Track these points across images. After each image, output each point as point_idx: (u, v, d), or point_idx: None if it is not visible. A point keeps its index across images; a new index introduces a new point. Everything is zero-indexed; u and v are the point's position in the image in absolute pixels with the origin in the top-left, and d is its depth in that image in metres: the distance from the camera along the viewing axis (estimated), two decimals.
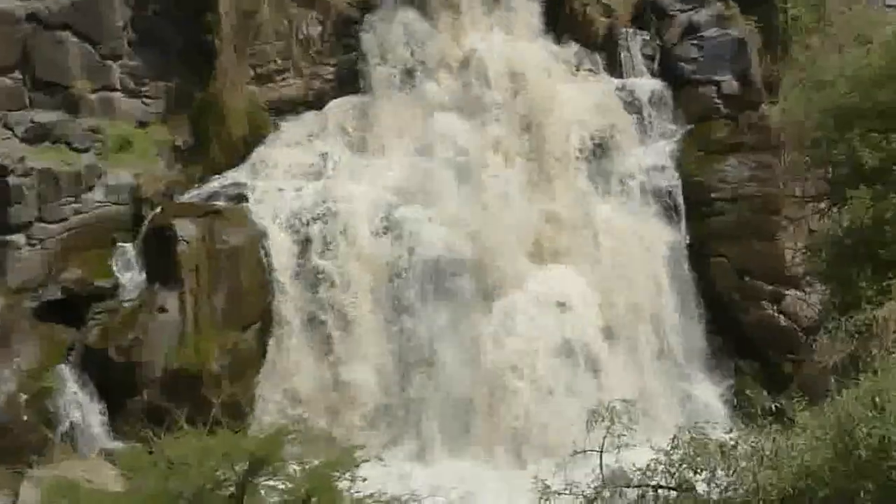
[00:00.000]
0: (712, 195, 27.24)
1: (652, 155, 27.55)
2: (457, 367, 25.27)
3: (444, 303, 25.60)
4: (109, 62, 27.62)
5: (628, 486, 12.52)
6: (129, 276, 25.70)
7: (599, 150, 27.56)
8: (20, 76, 26.94)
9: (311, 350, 25.62)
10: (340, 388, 25.42)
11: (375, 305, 25.72)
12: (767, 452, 11.49)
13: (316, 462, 15.79)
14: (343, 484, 15.45)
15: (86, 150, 26.63)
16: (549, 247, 26.70)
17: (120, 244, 26.09)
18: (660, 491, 12.22)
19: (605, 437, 12.65)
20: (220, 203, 26.34)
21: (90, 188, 26.21)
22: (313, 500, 15.20)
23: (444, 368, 25.27)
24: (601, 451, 12.80)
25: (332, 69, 28.72)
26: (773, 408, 12.44)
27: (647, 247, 27.03)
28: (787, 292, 26.82)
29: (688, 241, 27.18)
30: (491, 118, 27.34)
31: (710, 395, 26.39)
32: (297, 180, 27.03)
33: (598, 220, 26.90)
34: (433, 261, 25.67)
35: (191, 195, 26.86)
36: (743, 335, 26.89)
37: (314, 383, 25.49)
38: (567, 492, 12.82)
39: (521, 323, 25.60)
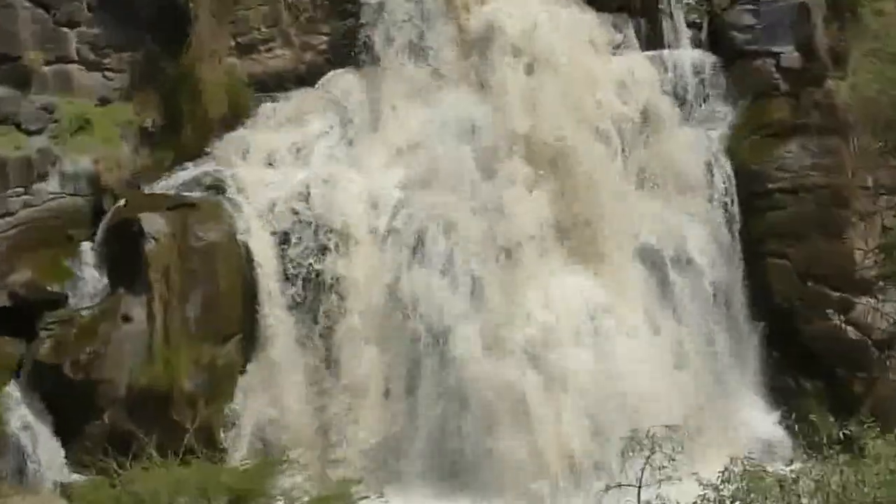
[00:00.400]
0: (770, 186, 27.24)
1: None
2: None
3: None
4: (66, 30, 27.65)
5: None
6: (88, 279, 25.74)
7: None
8: None
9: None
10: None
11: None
12: (834, 487, 11.51)
13: (306, 498, 15.85)
14: None
15: (38, 133, 26.68)
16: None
17: (78, 242, 26.17)
18: None
19: (643, 469, 12.69)
20: (195, 194, 26.36)
21: (43, 177, 26.25)
22: None
23: None
24: (639, 486, 12.83)
25: (325, 38, 28.72)
26: (841, 434, 12.44)
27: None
28: (857, 300, 26.79)
29: (741, 240, 27.20)
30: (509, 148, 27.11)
31: (766, 419, 26.43)
32: (284, 168, 27.05)
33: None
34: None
35: (160, 185, 26.90)
36: (805, 349, 26.89)
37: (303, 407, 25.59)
38: None
39: None
